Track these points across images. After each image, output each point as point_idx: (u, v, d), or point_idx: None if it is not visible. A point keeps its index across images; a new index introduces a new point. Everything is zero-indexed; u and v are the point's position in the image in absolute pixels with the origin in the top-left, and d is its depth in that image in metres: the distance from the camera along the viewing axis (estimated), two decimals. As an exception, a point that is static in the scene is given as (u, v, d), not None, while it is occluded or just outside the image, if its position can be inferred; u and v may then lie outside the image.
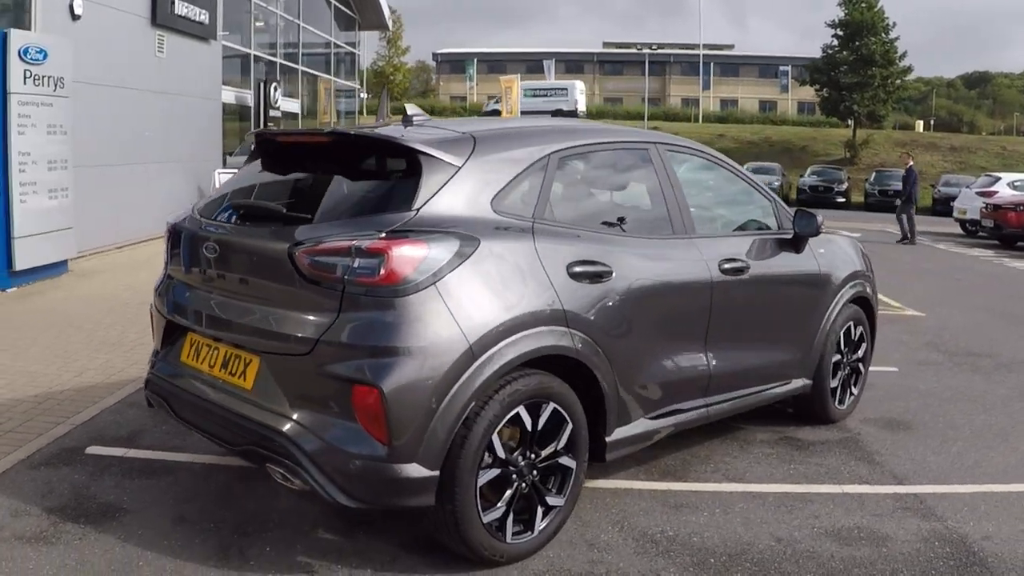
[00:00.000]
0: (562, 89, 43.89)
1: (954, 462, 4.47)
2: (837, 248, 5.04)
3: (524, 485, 3.16)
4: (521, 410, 3.09)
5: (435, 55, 69.35)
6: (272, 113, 19.17)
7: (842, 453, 4.56)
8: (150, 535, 3.32)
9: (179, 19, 13.34)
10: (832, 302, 4.81)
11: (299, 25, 22.75)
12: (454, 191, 3.09)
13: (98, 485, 3.78)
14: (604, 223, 3.62)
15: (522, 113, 30.00)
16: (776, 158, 34.63)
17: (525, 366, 3.11)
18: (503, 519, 3.10)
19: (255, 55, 19.61)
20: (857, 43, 36.31)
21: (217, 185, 13.54)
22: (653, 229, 3.82)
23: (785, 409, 5.07)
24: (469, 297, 2.93)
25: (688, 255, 3.86)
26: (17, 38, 8.05)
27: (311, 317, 2.91)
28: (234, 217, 3.34)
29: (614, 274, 3.43)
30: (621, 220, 3.70)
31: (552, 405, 3.19)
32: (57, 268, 8.90)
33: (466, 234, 2.99)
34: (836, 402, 5.04)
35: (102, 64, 10.90)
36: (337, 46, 26.90)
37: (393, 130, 3.40)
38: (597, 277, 3.36)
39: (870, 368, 6.18)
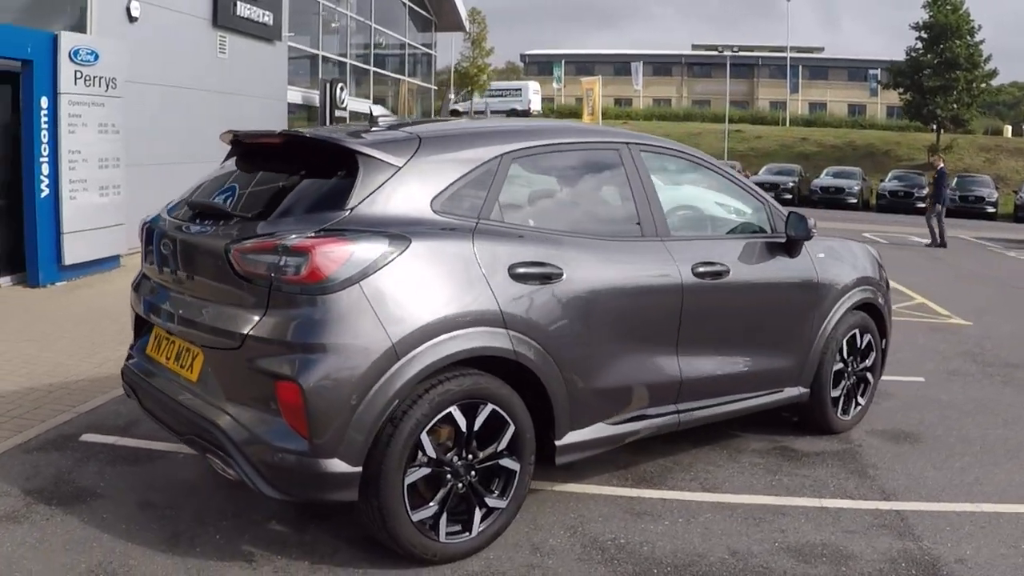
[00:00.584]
0: (516, 90, 48.52)
1: (953, 478, 4.25)
2: (841, 253, 4.85)
3: (461, 485, 3.16)
4: (454, 410, 3.09)
5: (523, 56, 69.74)
6: (338, 113, 19.61)
7: (834, 465, 4.40)
8: (112, 519, 3.47)
9: (241, 20, 13.71)
10: (832, 309, 4.63)
11: (371, 26, 23.21)
12: (392, 191, 3.12)
13: (80, 470, 3.96)
14: (559, 225, 3.57)
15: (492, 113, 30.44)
16: (858, 162, 33.92)
17: (460, 366, 3.11)
18: (436, 518, 3.11)
19: (323, 56, 20.11)
20: (941, 46, 35.18)
21: None
22: (618, 231, 3.76)
23: (790, 418, 4.91)
24: (395, 297, 2.96)
25: (656, 258, 3.78)
26: (67, 40, 8.47)
27: (242, 313, 2.99)
28: (189, 215, 3.46)
29: (565, 276, 3.39)
30: (579, 221, 3.65)
31: (490, 406, 3.18)
32: (108, 263, 9.34)
33: (397, 234, 3.02)
34: (839, 412, 4.85)
35: (161, 65, 11.33)
36: (412, 47, 27.31)
37: (341, 131, 3.46)
38: (545, 279, 3.34)
39: (896, 378, 6.00)
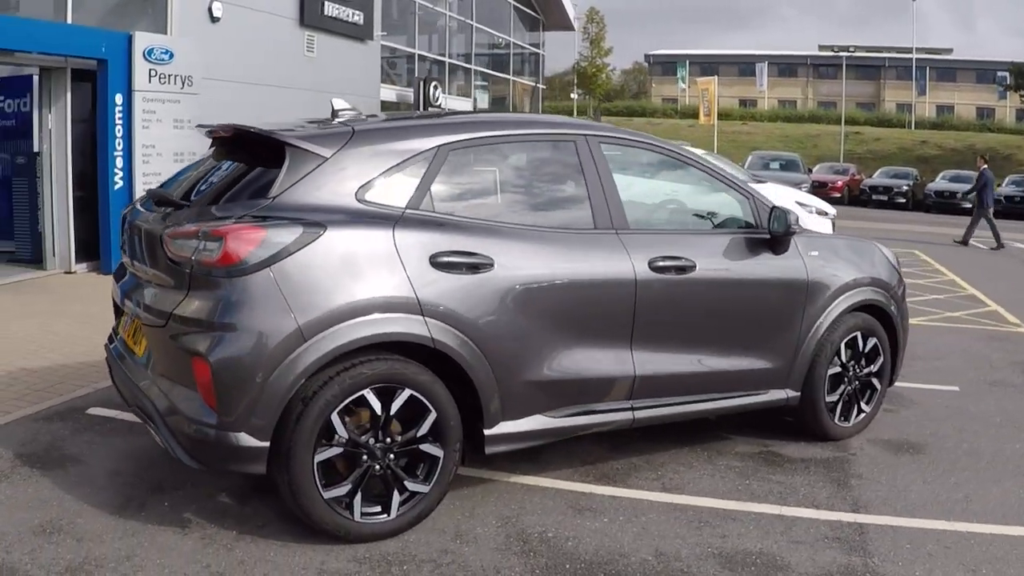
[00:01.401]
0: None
1: (940, 494, 3.97)
2: (841, 252, 4.62)
3: (378, 467, 3.23)
4: (368, 393, 3.16)
5: (647, 56, 69.21)
6: (432, 110, 20.02)
7: (816, 473, 4.19)
8: (80, 482, 3.73)
9: (329, 20, 14.17)
10: (825, 310, 4.41)
11: (472, 26, 23.56)
12: (316, 181, 3.22)
13: (74, 439, 4.27)
14: (496, 216, 3.57)
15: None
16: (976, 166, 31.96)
17: (375, 350, 3.18)
18: (350, 497, 3.19)
19: (419, 55, 20.56)
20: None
21: None
22: (567, 223, 3.72)
23: (789, 422, 4.71)
24: (305, 281, 3.05)
25: (606, 251, 3.72)
26: (141, 40, 9.06)
27: (170, 294, 3.18)
28: (150, 204, 3.67)
29: (496, 266, 3.40)
30: (520, 213, 3.64)
31: (408, 392, 3.23)
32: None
33: (312, 221, 3.11)
34: (837, 418, 4.62)
35: (245, 63, 11.84)
36: (518, 46, 27.53)
37: (290, 125, 3.58)
38: (472, 268, 3.36)
39: (928, 386, 5.68)
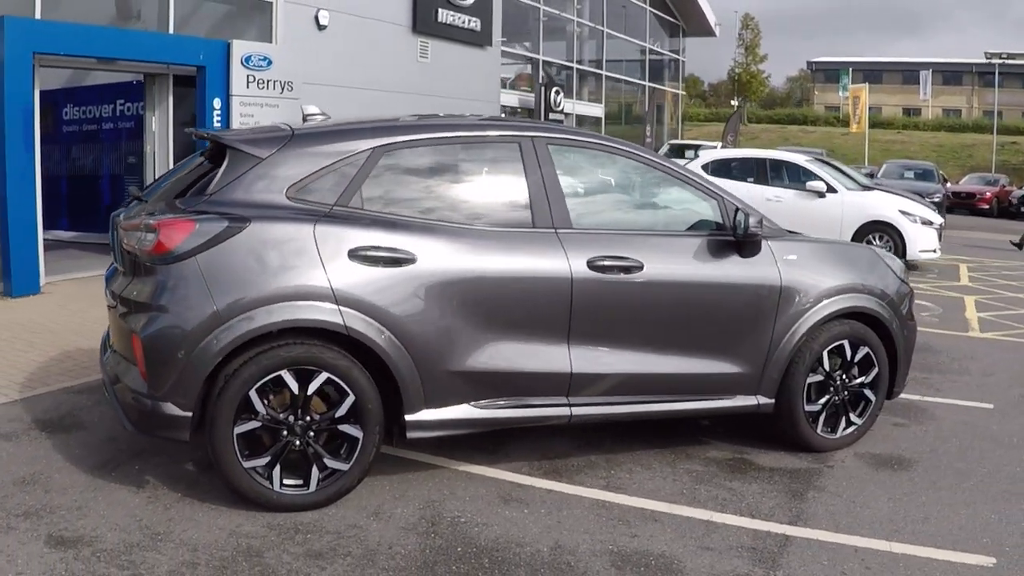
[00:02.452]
0: None
1: (897, 513, 3.74)
2: (826, 257, 4.42)
3: (297, 443, 3.44)
4: (285, 374, 3.39)
5: (809, 64, 66.77)
6: (553, 116, 20.24)
7: (777, 483, 4.04)
8: (75, 445, 4.19)
9: (443, 27, 14.65)
10: (802, 316, 4.24)
11: (603, 31, 23.59)
12: (251, 179, 3.50)
13: (90, 410, 4.76)
14: (425, 214, 3.70)
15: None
16: None
17: (294, 334, 3.40)
18: (269, 468, 3.43)
19: (544, 60, 20.81)
20: None
21: None
22: (503, 222, 3.80)
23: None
24: (226, 269, 3.32)
25: (541, 249, 3.77)
26: (239, 48, 9.75)
27: (123, 279, 3.55)
28: (131, 203, 4.06)
29: (418, 262, 3.54)
30: (450, 211, 3.75)
31: (325, 374, 3.43)
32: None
33: (238, 216, 3.38)
34: (820, 429, 4.41)
35: (355, 69, 12.45)
36: (655, 52, 27.30)
37: (244, 129, 3.87)
38: (393, 263, 3.51)
39: (960, 401, 5.39)
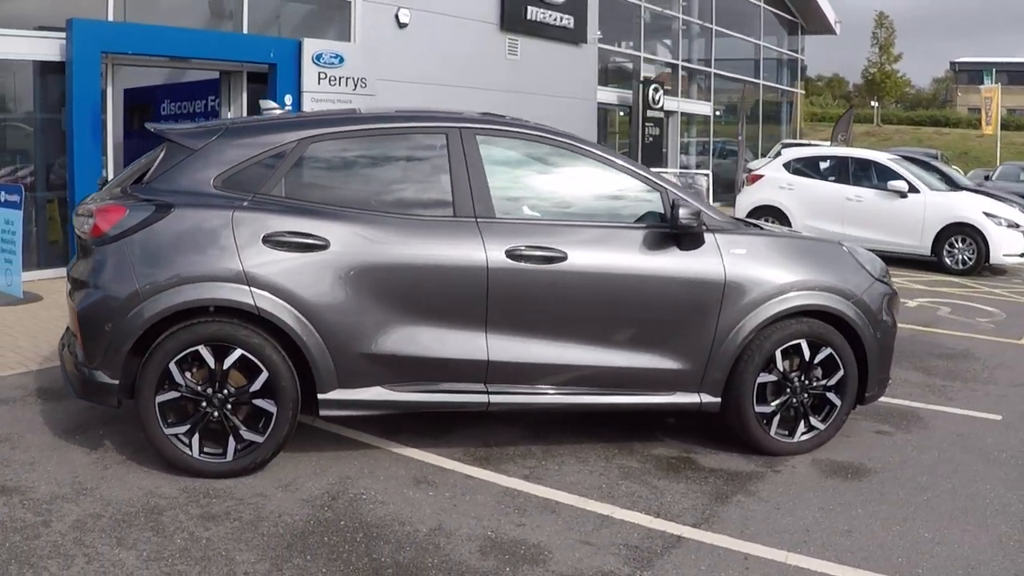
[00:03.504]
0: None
1: (820, 524, 3.54)
2: (781, 251, 4.21)
3: (215, 414, 3.65)
4: (202, 349, 3.61)
5: (952, 64, 62.61)
6: (651, 114, 19.92)
7: (708, 485, 3.91)
8: (59, 411, 4.57)
9: (534, 24, 14.67)
10: (750, 312, 4.06)
11: (712, 29, 22.98)
12: (183, 169, 3.75)
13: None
14: (345, 202, 3.82)
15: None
16: None
17: (215, 313, 3.60)
18: (188, 436, 3.66)
19: (645, 57, 20.49)
20: None
21: None
22: (423, 211, 3.87)
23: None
24: (148, 251, 3.59)
25: (459, 238, 3.81)
26: (310, 46, 10.20)
27: (73, 259, 3.85)
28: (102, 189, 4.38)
29: (330, 248, 3.66)
30: (369, 200, 3.84)
31: (239, 351, 3.61)
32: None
33: (164, 202, 3.62)
34: (774, 431, 4.21)
35: (438, 66, 12.67)
36: (771, 50, 26.34)
37: (196, 123, 4.10)
38: (305, 248, 3.66)
39: (968, 412, 5.11)
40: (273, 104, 4.50)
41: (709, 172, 17.27)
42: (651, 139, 18.68)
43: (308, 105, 10.25)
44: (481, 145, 3.97)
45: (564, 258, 3.87)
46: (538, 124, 4.26)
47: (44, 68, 8.26)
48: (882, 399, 4.67)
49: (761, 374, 4.15)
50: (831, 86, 69.27)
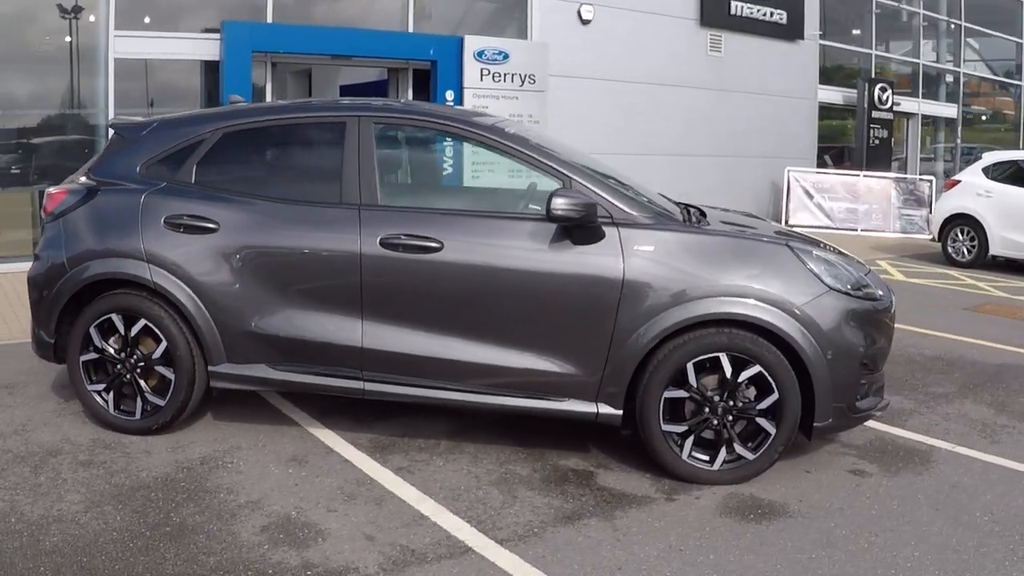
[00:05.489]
0: None
1: (648, 564, 3.10)
2: (700, 251, 3.72)
3: (127, 376, 4.04)
4: (114, 317, 4.05)
5: None
6: (879, 115, 17.98)
7: (574, 503, 3.59)
8: (50, 373, 5.11)
9: (738, 19, 13.98)
10: (653, 318, 3.62)
11: (962, 26, 20.18)
12: (119, 158, 4.24)
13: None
14: (244, 188, 4.06)
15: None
16: None
17: (128, 286, 4.02)
18: (105, 395, 4.11)
19: (878, 55, 18.51)
20: None
21: (789, 184, 14.26)
22: (312, 197, 3.96)
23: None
24: (75, 229, 4.13)
25: (336, 225, 3.86)
26: (471, 42, 10.55)
27: None
28: None
29: (220, 231, 3.89)
30: (264, 186, 4.00)
31: (143, 321, 3.98)
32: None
33: (92, 187, 4.12)
34: (687, 455, 3.73)
35: (627, 63, 12.49)
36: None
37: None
38: (198, 230, 3.95)
39: (1007, 462, 4.14)
40: (239, 97, 4.80)
41: (933, 178, 15.11)
42: (878, 142, 16.80)
43: (469, 101, 10.63)
44: (377, 133, 3.94)
45: (439, 248, 3.73)
46: (439, 110, 4.14)
47: (208, 67, 9.53)
48: (903, 432, 3.94)
49: (670, 389, 3.66)
50: None
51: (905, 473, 3.92)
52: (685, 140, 13.67)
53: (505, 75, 10.79)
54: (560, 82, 11.63)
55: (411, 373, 3.90)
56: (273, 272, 3.93)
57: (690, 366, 3.66)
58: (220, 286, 3.95)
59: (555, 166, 3.87)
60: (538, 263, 3.74)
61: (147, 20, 9.40)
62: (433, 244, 3.78)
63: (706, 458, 3.74)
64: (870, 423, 4.54)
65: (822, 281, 3.71)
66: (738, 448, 3.72)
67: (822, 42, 16.05)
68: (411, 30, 10.99)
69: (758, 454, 3.71)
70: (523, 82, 10.90)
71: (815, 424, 3.72)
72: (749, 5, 14.17)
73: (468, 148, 4.12)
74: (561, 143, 4.94)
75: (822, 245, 4.12)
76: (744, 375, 3.65)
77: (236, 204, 4.02)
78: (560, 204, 3.59)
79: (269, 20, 9.85)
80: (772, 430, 3.69)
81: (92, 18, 8.90)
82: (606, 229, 3.71)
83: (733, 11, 13.93)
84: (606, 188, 3.84)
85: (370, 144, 3.98)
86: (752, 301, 3.62)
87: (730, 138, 14.05)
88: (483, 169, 4.03)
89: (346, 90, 13.17)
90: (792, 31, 14.84)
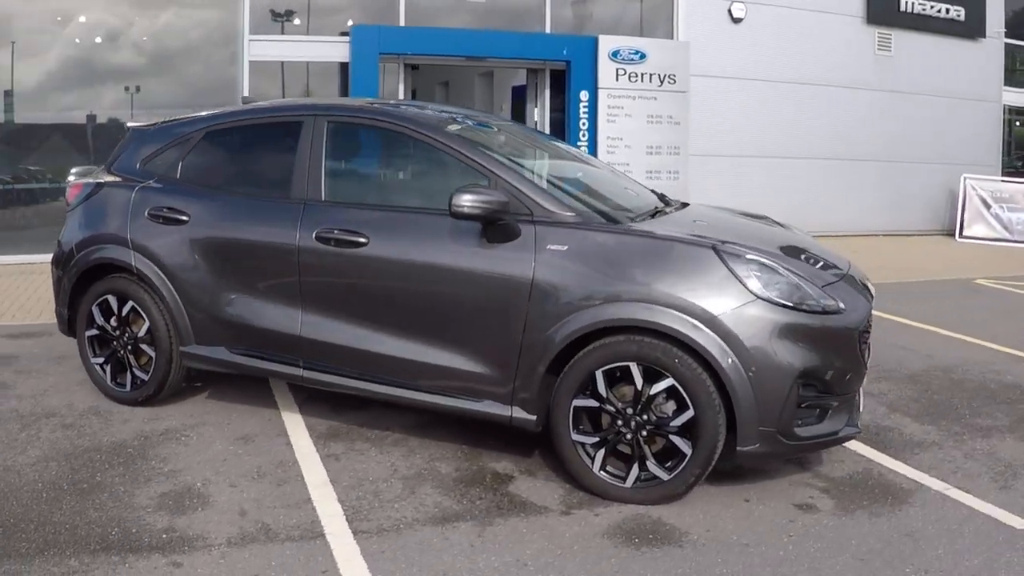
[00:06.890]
0: None
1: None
2: (619, 250, 3.57)
3: (120, 353, 4.52)
4: (110, 298, 4.56)
5: None
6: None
7: (461, 506, 3.54)
8: (50, 345, 5.80)
9: (910, 17, 13.11)
10: (560, 320, 3.51)
11: None
12: (128, 156, 4.75)
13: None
14: (215, 183, 4.40)
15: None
16: None
17: (120, 270, 4.46)
18: (104, 367, 4.64)
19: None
20: None
21: (965, 192, 13.32)
22: (268, 192, 4.22)
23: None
24: (84, 218, 4.73)
25: (279, 218, 4.11)
26: (607, 42, 10.55)
27: None
28: None
29: (189, 222, 4.26)
30: (232, 181, 4.33)
31: (131, 303, 4.44)
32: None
33: (100, 182, 4.65)
34: (598, 468, 3.57)
35: (784, 63, 12.08)
36: None
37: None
38: (175, 221, 4.36)
39: (997, 511, 3.67)
40: (250, 98, 5.15)
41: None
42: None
43: (604, 102, 10.61)
44: (329, 132, 4.11)
45: (366, 243, 3.82)
46: (389, 110, 4.18)
47: (343, 68, 10.25)
48: (900, 467, 3.72)
49: (579, 397, 3.51)
50: None
51: (860, 514, 3.46)
52: (842, 143, 12.80)
53: (643, 75, 10.65)
54: (705, 82, 11.39)
55: (344, 364, 4.04)
56: (228, 261, 4.26)
57: (599, 374, 3.49)
58: (188, 273, 4.32)
59: (482, 163, 3.84)
60: (453, 261, 3.75)
61: (284, 23, 10.35)
62: (360, 239, 3.90)
63: (620, 474, 3.54)
64: (868, 452, 4.12)
65: (748, 289, 3.36)
66: (652, 467, 3.48)
67: (1007, 40, 14.30)
68: (548, 31, 11.17)
69: (672, 475, 3.45)
70: (662, 82, 10.69)
71: (738, 448, 3.39)
72: (921, 2, 13.18)
73: (413, 146, 4.18)
74: (553, 143, 4.83)
75: (785, 249, 3.75)
76: (656, 388, 3.41)
77: (206, 198, 4.39)
78: (461, 200, 3.55)
79: (401, 23, 10.45)
80: (688, 450, 3.41)
81: (229, 23, 9.86)
82: (523, 227, 3.65)
83: (903, 7, 13.06)
84: (530, 185, 3.74)
85: (321, 142, 4.17)
86: (662, 308, 3.37)
87: (896, 142, 13.13)
88: (433, 167, 4.05)
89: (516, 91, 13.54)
90: (971, 29, 13.69)
